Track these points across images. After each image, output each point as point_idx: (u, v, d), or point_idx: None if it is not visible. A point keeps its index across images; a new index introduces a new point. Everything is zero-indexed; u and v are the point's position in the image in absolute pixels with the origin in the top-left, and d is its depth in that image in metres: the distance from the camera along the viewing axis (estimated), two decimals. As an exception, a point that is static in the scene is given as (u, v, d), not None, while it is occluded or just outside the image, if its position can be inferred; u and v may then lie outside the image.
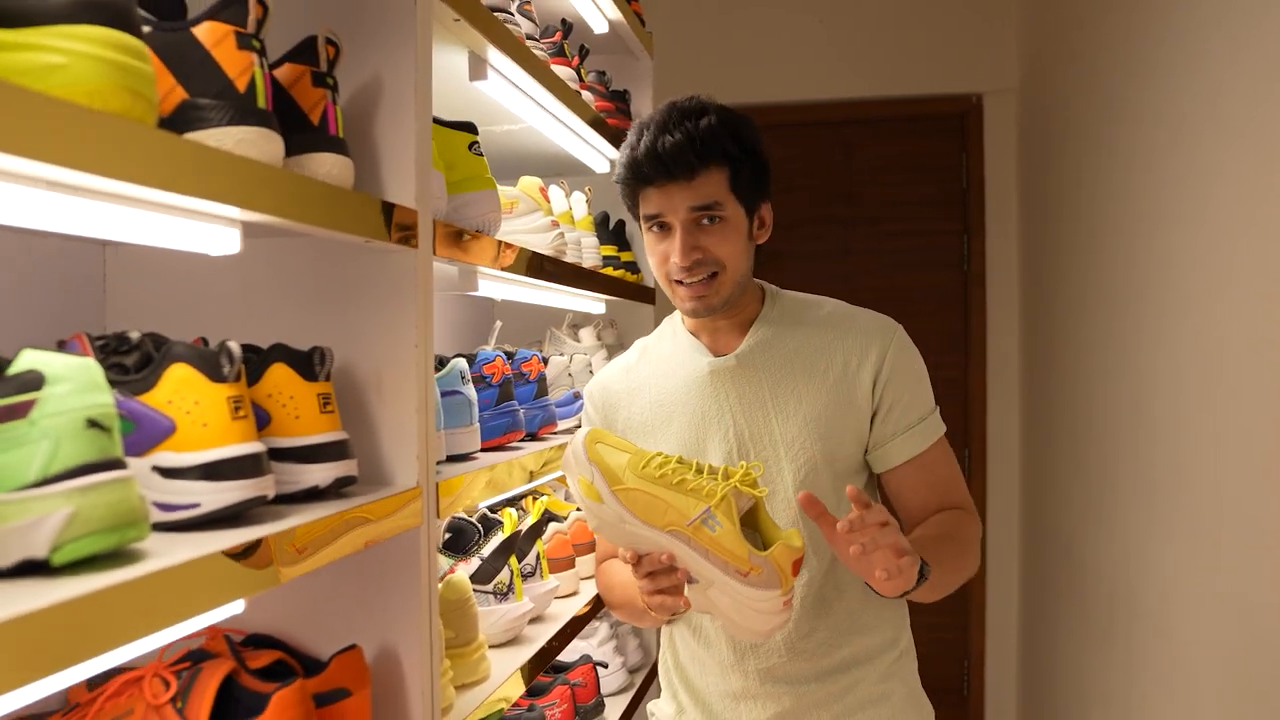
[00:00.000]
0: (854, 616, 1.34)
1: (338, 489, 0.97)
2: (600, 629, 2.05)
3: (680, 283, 1.28)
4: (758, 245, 1.38)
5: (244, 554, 0.76)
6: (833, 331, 1.34)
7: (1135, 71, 2.14)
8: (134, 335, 0.83)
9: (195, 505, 0.79)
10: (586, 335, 2.07)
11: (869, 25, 3.62)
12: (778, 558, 1.08)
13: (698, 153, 1.24)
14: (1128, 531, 2.19)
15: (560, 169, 2.07)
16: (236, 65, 0.82)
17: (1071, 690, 2.79)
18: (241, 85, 0.82)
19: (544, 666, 1.49)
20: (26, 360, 0.65)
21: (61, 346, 0.83)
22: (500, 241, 1.32)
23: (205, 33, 0.82)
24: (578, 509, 1.71)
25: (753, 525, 1.17)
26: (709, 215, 1.26)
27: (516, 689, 1.35)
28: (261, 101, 0.84)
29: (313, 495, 0.93)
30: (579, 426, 1.68)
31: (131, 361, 0.82)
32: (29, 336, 0.96)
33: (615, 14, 1.99)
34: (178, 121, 0.80)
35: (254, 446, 0.83)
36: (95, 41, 0.65)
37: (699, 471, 1.12)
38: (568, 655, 1.93)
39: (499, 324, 1.82)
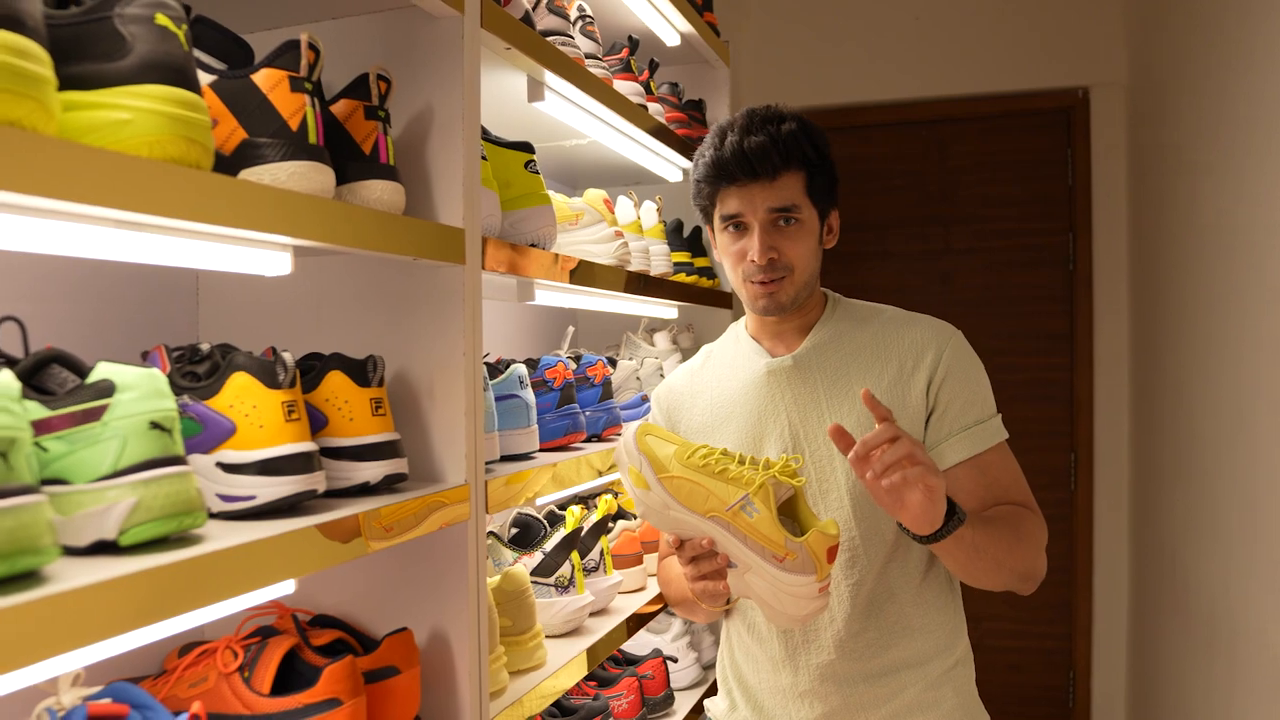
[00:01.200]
0: (905, 619, 1.35)
1: (389, 485, 1.06)
2: (674, 624, 2.11)
3: (753, 281, 1.33)
4: (828, 250, 1.42)
5: (335, 531, 0.88)
6: (890, 335, 1.37)
7: (1249, 63, 2.04)
8: (205, 347, 0.94)
9: (252, 497, 0.89)
10: (661, 339, 2.14)
11: (965, 20, 3.55)
12: (812, 544, 1.12)
13: (781, 154, 1.29)
14: (1229, 542, 2.10)
15: (633, 178, 2.14)
16: (290, 106, 0.93)
17: (1176, 706, 2.68)
18: (294, 124, 0.93)
19: (604, 657, 1.56)
20: (101, 371, 0.76)
21: (145, 357, 0.95)
22: (555, 254, 1.40)
23: (263, 79, 0.93)
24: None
25: (793, 515, 1.21)
26: (786, 217, 1.31)
27: (573, 677, 1.43)
28: (313, 138, 0.94)
29: (364, 490, 1.03)
30: (644, 428, 1.75)
31: (202, 370, 0.93)
32: (134, 347, 1.10)
33: (686, 27, 2.05)
34: (238, 159, 0.91)
35: (305, 446, 0.93)
36: (156, 98, 0.75)
37: (741, 462, 1.17)
38: (639, 649, 2.01)
39: (571, 329, 1.91)
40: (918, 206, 3.74)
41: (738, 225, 1.33)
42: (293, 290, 1.22)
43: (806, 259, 1.34)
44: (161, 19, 0.77)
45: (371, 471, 1.03)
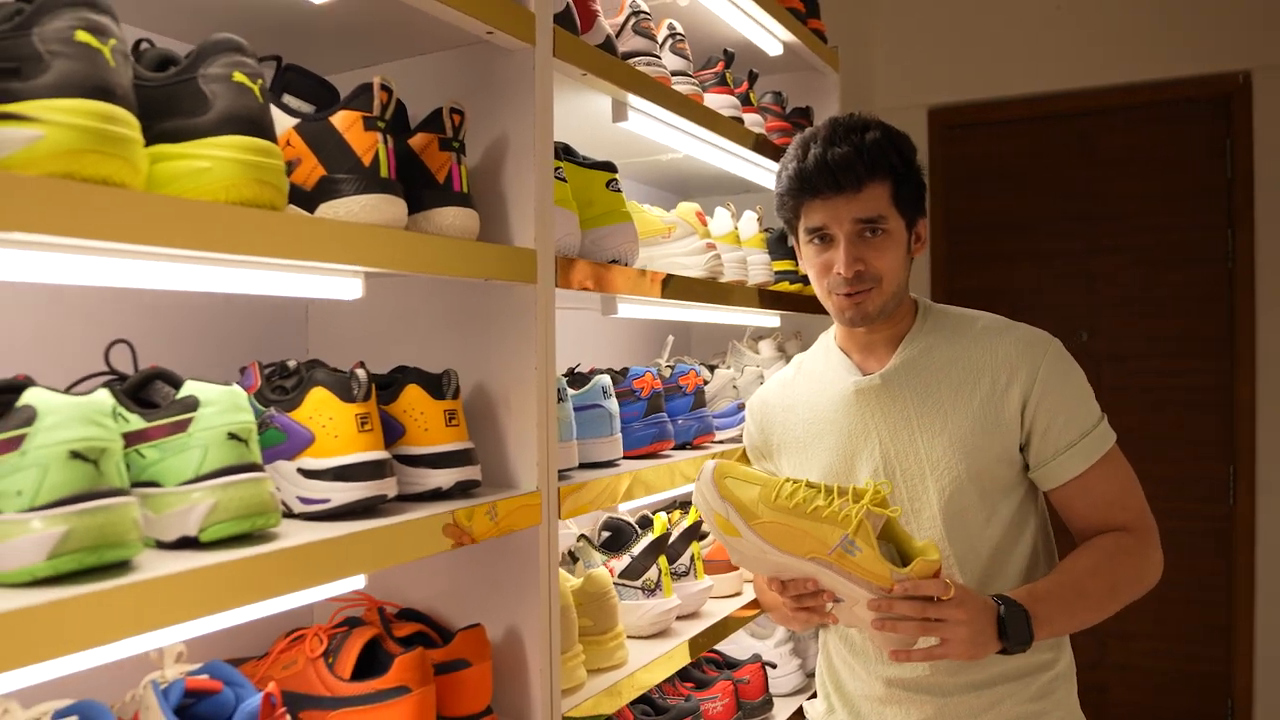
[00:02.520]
0: None
1: (462, 491, 1.14)
2: (778, 631, 2.12)
3: (839, 293, 1.33)
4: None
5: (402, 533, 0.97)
6: (982, 349, 1.34)
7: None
8: (291, 364, 1.05)
9: (327, 500, 0.98)
10: (766, 347, 2.15)
11: (1111, 5, 3.37)
12: (918, 574, 1.13)
13: (866, 165, 1.28)
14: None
15: (740, 188, 2.17)
16: (363, 144, 1.02)
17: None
18: (367, 160, 1.02)
19: (690, 660, 1.60)
20: (188, 388, 0.87)
21: (242, 373, 1.07)
22: (642, 269, 1.45)
23: (339, 120, 1.02)
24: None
25: (888, 537, 1.20)
26: (872, 228, 1.30)
27: (655, 677, 1.47)
28: (384, 172, 1.03)
29: (436, 496, 1.11)
30: (739, 438, 1.77)
31: (290, 384, 1.03)
32: (248, 360, 1.23)
33: (788, 36, 2.05)
34: (318, 194, 1.01)
35: (377, 454, 1.01)
36: (232, 148, 0.85)
37: (829, 494, 1.16)
38: (740, 653, 2.03)
39: (671, 338, 1.95)
40: (1061, 204, 3.58)
41: (823, 238, 1.33)
42: (387, 310, 1.32)
43: (894, 269, 1.32)
44: (238, 76, 0.87)
45: (443, 478, 1.11)
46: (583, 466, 1.42)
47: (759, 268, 1.93)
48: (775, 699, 1.97)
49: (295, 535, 0.91)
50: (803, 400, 1.45)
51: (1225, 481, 3.26)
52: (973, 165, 3.72)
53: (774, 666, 2.00)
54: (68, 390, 0.84)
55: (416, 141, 1.13)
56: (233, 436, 0.87)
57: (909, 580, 1.12)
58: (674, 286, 1.56)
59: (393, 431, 1.11)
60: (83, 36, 0.75)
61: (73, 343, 1.11)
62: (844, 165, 1.27)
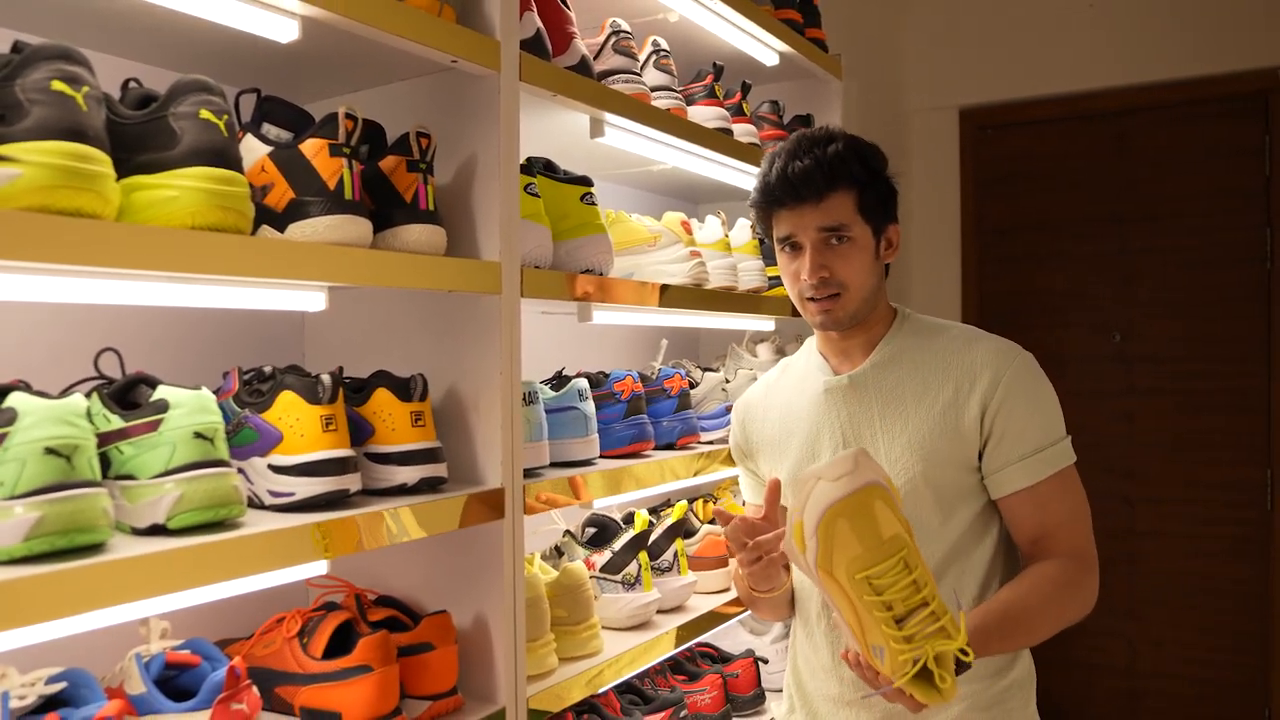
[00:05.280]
0: None
1: (429, 487, 1.23)
2: (776, 628, 2.17)
3: (809, 299, 1.39)
4: (887, 263, 1.44)
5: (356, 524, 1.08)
6: (951, 355, 1.38)
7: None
8: (267, 369, 1.15)
9: (293, 494, 1.08)
10: (764, 350, 2.20)
11: (1145, 2, 3.33)
12: (920, 698, 1.05)
13: (826, 176, 1.34)
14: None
15: (739, 195, 2.22)
16: (328, 169, 1.12)
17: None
18: (332, 184, 1.11)
19: (670, 651, 1.67)
20: (160, 392, 0.98)
21: (225, 377, 1.17)
22: (607, 278, 1.53)
23: (308, 148, 1.12)
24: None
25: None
26: (836, 235, 1.36)
27: (630, 666, 1.55)
28: (348, 194, 1.12)
29: (402, 491, 1.21)
30: (726, 439, 1.84)
31: (264, 388, 1.14)
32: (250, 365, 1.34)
33: (784, 47, 2.11)
34: (287, 215, 1.11)
35: (340, 452, 1.11)
36: (198, 178, 0.96)
37: (919, 610, 1.05)
38: (736, 649, 2.09)
39: (665, 342, 2.03)
40: (1095, 204, 3.55)
41: (792, 246, 1.39)
42: (372, 319, 1.42)
43: (860, 276, 1.37)
44: (205, 114, 0.97)
45: (408, 474, 1.20)
46: (557, 465, 1.51)
47: (750, 273, 1.99)
48: (767, 693, 2.02)
49: (256, 525, 1.01)
50: (781, 402, 1.51)
51: (1262, 486, 3.21)
52: (1005, 166, 3.71)
53: (766, 662, 2.05)
54: (62, 394, 0.95)
55: (386, 164, 1.23)
56: (199, 435, 0.97)
57: (896, 691, 1.07)
58: (666, 295, 1.64)
59: (363, 431, 1.21)
60: (58, 86, 0.86)
61: (86, 351, 1.23)
62: (804, 178, 1.34)
